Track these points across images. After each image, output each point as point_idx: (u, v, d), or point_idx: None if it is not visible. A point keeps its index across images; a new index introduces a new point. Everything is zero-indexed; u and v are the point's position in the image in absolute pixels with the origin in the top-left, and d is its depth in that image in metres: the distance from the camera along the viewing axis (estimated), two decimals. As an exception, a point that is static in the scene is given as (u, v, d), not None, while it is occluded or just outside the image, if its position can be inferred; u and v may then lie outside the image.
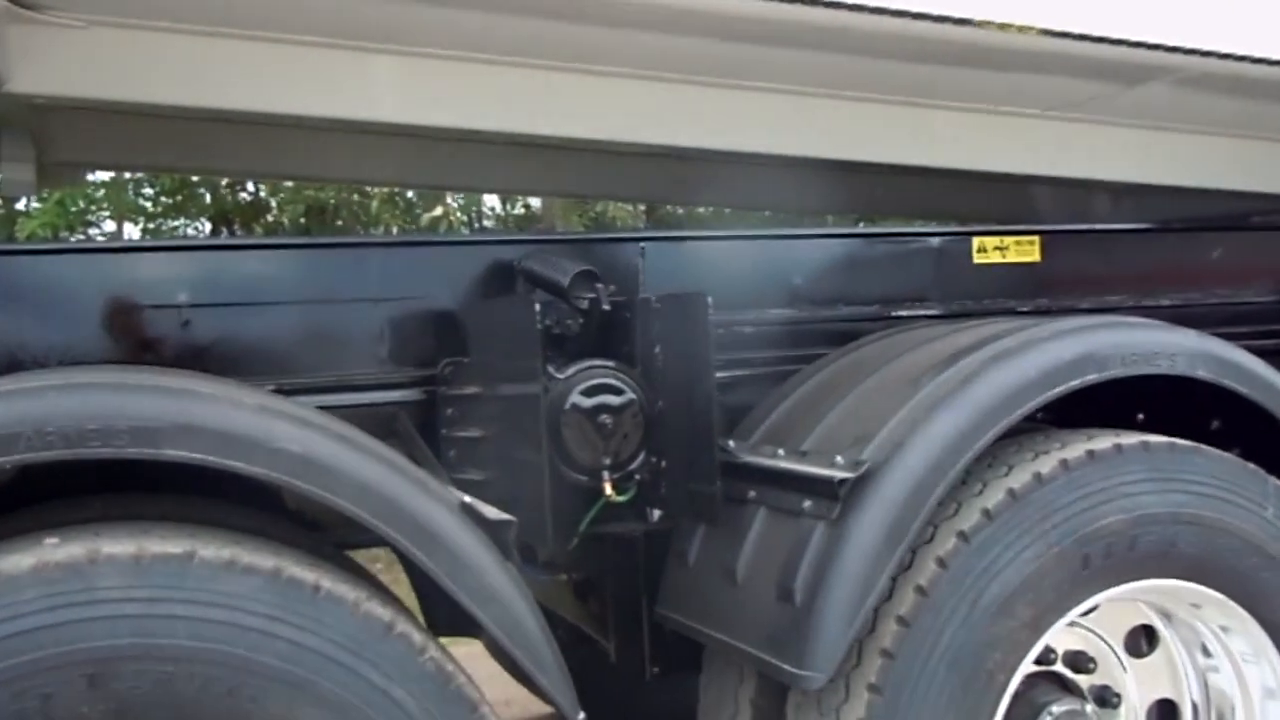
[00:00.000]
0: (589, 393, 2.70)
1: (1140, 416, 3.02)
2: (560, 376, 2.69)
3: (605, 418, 2.69)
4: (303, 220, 9.99)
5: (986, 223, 3.54)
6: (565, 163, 4.20)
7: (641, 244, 3.04)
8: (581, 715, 2.25)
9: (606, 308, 2.79)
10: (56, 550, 1.85)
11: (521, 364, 2.66)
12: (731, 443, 2.79)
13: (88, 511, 2.10)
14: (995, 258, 3.37)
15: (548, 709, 3.95)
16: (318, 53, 2.92)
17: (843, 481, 2.44)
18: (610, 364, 2.73)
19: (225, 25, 2.80)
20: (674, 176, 4.36)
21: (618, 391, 2.71)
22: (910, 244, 3.37)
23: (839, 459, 2.51)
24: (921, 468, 2.47)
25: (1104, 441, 2.67)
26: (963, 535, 2.50)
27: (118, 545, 1.88)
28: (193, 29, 2.77)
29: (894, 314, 3.26)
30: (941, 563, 2.48)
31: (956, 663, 2.46)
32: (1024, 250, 3.40)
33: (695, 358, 2.66)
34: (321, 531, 2.72)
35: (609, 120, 3.31)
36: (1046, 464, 2.59)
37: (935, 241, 3.36)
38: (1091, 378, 2.64)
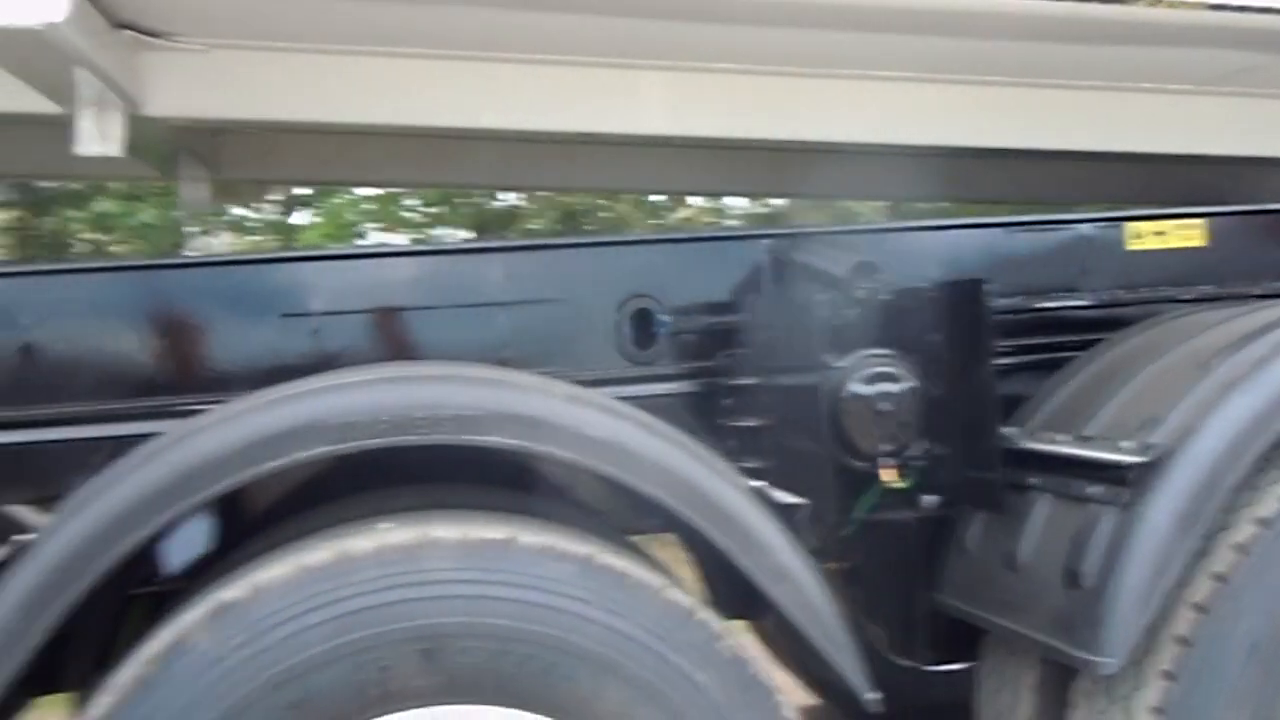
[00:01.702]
0: (868, 381, 2.74)
1: None
2: (839, 365, 2.74)
3: (884, 405, 2.73)
4: (557, 226, 10.30)
5: (1131, 205, 3.39)
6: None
7: (764, 241, 3.08)
8: (875, 695, 2.28)
9: (885, 297, 2.83)
10: (391, 534, 2.01)
11: (800, 354, 2.73)
12: (1010, 430, 2.78)
13: (406, 500, 2.27)
14: (1152, 243, 3.22)
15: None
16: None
17: (1133, 466, 2.40)
18: (887, 352, 2.77)
19: (428, 46, 2.93)
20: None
21: (896, 379, 2.75)
22: (1055, 231, 3.24)
23: (1127, 444, 2.48)
24: (1216, 452, 2.41)
25: None
26: (1263, 522, 2.42)
27: (446, 530, 2.03)
28: (349, 49, 2.91)
29: (1038, 306, 3.14)
30: (1241, 550, 2.41)
31: (1256, 651, 2.40)
32: (1186, 235, 3.22)
33: (972, 344, 2.67)
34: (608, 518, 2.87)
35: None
36: (1350, 448, 2.48)
37: (1084, 228, 3.23)
38: None
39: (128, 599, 2.48)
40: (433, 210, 10.45)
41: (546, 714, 2.00)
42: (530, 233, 10.26)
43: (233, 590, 1.95)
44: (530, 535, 2.05)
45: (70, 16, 2.20)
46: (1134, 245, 3.22)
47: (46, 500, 2.34)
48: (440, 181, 6.61)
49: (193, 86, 2.80)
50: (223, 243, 11.49)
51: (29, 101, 2.70)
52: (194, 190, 3.88)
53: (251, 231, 11.61)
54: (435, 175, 4.89)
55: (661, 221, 10.07)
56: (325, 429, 2.06)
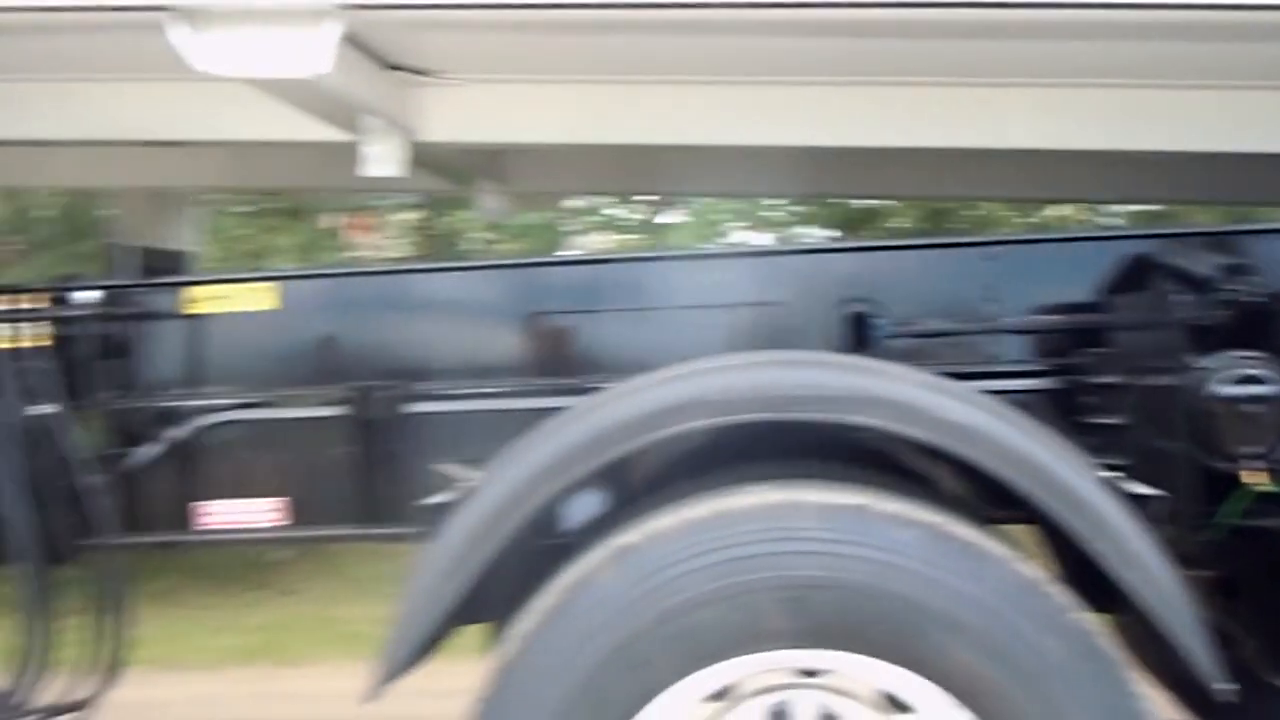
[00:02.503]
0: (1235, 383, 2.75)
1: None
2: (1205, 367, 2.77)
3: (1254, 408, 2.73)
4: (922, 225, 10.34)
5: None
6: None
7: (989, 249, 3.12)
8: (1227, 685, 2.31)
9: (1257, 299, 2.84)
10: (763, 496, 2.29)
11: (1163, 355, 2.78)
12: None
13: (771, 473, 2.52)
14: None
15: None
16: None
17: None
18: (1258, 355, 2.78)
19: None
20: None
21: (1266, 382, 2.75)
22: None
23: None
24: None
25: None
26: None
27: (810, 495, 2.29)
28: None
29: None
30: None
31: None
32: None
33: None
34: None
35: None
36: None
37: None
38: None
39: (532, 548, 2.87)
40: (797, 210, 10.70)
41: (899, 664, 2.21)
42: (893, 231, 10.34)
43: (630, 536, 2.28)
44: (884, 504, 2.27)
45: (337, 66, 2.55)
46: None
47: (475, 460, 2.76)
48: (770, 192, 6.92)
49: (461, 115, 3.18)
50: (596, 241, 12.27)
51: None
52: (490, 201, 4.41)
53: (623, 231, 12.29)
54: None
55: (1029, 220, 9.91)
56: (710, 404, 2.35)
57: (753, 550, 2.22)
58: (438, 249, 10.79)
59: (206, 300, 3.22)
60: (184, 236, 4.63)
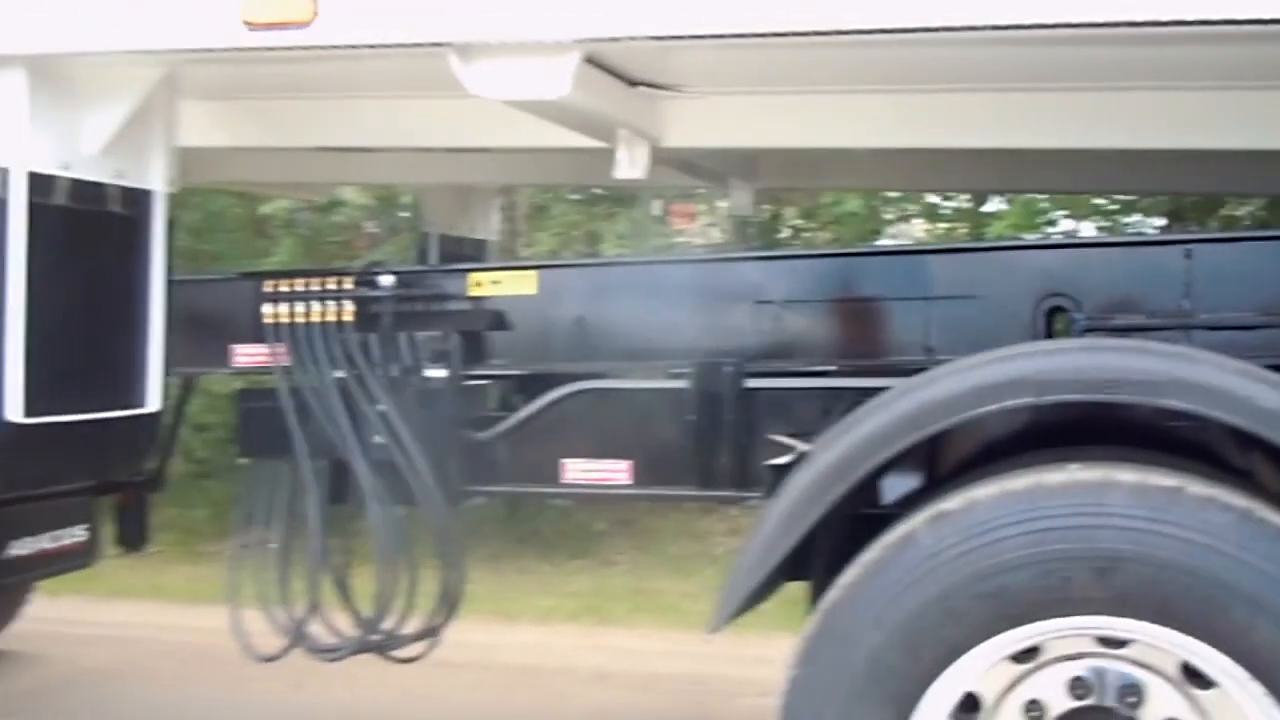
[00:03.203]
0: None
1: None
2: None
3: None
4: (1258, 213, 9.86)
5: None
6: None
7: (1187, 246, 3.06)
8: None
9: None
10: (1080, 473, 2.46)
11: None
12: None
13: (1079, 456, 2.64)
14: None
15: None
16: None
17: None
18: None
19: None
20: None
21: None
22: None
23: None
24: None
25: None
26: None
27: (1126, 475, 2.43)
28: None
29: None
30: None
31: None
32: None
33: None
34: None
35: None
36: None
37: None
38: None
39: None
40: (1123, 199, 10.39)
41: (1201, 639, 2.33)
42: (1230, 220, 9.91)
43: (951, 502, 2.50)
44: (1198, 487, 2.39)
45: (580, 87, 2.88)
46: None
47: (804, 434, 3.02)
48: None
49: (703, 123, 3.49)
50: (916, 230, 12.25)
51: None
52: (740, 197, 4.75)
53: (943, 220, 12.22)
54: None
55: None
56: (1032, 383, 2.53)
57: (1066, 521, 2.39)
58: (752, 236, 11.10)
59: (486, 284, 3.67)
60: (486, 226, 5.31)
